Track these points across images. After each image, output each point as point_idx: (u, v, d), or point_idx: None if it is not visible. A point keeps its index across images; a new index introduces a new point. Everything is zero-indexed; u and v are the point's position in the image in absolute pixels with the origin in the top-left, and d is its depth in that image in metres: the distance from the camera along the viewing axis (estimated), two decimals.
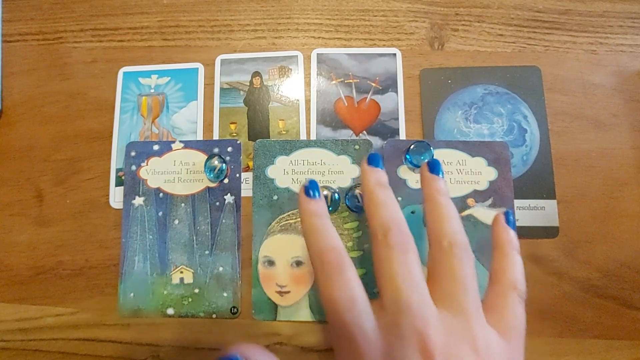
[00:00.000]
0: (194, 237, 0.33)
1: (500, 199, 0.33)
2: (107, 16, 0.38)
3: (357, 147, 0.34)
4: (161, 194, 0.34)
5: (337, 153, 0.34)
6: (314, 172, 0.34)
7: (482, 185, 0.33)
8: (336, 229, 0.32)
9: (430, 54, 0.36)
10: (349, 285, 0.22)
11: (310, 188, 0.25)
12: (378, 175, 0.25)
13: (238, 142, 0.34)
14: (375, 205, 0.24)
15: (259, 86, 0.36)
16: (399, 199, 0.33)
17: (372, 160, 0.26)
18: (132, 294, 0.32)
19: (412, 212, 0.33)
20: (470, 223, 0.32)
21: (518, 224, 0.32)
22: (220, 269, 0.32)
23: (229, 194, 0.33)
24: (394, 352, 0.21)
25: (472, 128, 0.35)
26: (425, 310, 0.21)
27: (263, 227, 0.33)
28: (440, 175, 0.26)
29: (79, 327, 0.32)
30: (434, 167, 0.26)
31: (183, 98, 0.36)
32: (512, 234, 0.26)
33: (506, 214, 0.27)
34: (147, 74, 0.37)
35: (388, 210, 0.24)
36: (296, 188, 0.33)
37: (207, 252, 0.32)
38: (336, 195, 0.32)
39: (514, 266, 0.25)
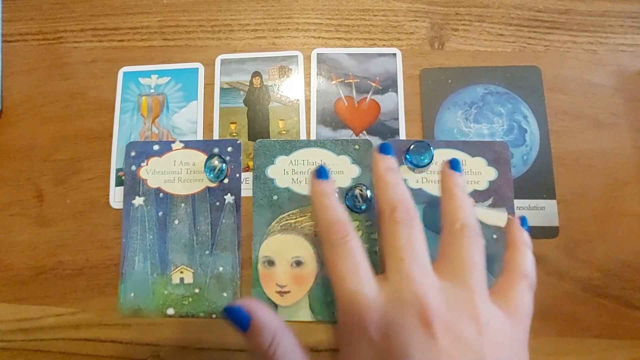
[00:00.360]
0: (194, 237, 0.33)
1: (500, 198, 0.33)
2: (107, 16, 0.38)
3: (357, 147, 0.34)
4: (161, 194, 0.34)
5: (337, 153, 0.34)
6: None
7: (482, 185, 0.33)
8: None
9: (430, 53, 0.36)
10: (353, 254, 0.23)
11: (320, 171, 0.27)
12: (388, 162, 0.27)
13: (238, 142, 0.34)
14: (384, 186, 0.26)
15: (259, 86, 0.36)
16: None
17: (383, 149, 0.27)
18: (132, 294, 0.32)
19: None
20: None
21: None
22: (220, 269, 0.32)
23: (229, 194, 0.33)
24: (392, 316, 0.21)
25: (472, 128, 0.34)
26: (426, 280, 0.22)
27: (263, 227, 0.33)
28: (459, 173, 0.27)
29: (79, 327, 0.32)
30: (454, 164, 0.28)
31: (183, 98, 0.36)
32: (526, 235, 0.27)
33: (521, 219, 0.28)
34: (147, 74, 0.37)
35: (396, 190, 0.25)
36: (296, 188, 0.33)
37: (207, 252, 0.32)
38: (336, 195, 0.32)
39: (526, 259, 0.25)
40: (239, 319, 0.22)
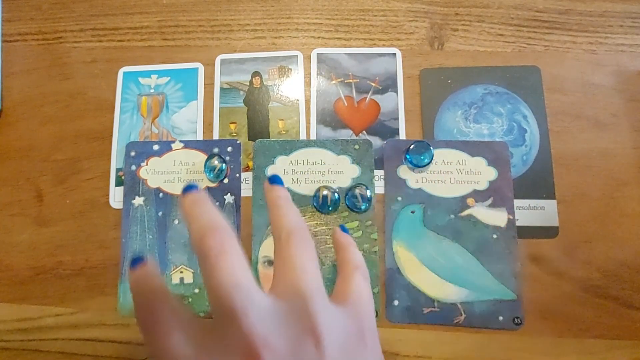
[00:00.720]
0: None
1: (500, 198, 0.33)
2: (107, 16, 0.38)
3: (357, 147, 0.34)
4: (161, 194, 0.34)
5: (337, 153, 0.34)
6: (314, 172, 0.34)
7: (482, 185, 0.33)
8: None
9: (430, 53, 0.36)
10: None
11: (187, 187, 0.24)
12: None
13: (238, 142, 0.34)
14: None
15: (258, 86, 0.36)
16: (399, 198, 0.33)
17: (273, 180, 0.27)
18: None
19: (412, 212, 0.33)
20: (470, 223, 0.32)
21: (518, 224, 0.32)
22: None
23: (228, 194, 0.33)
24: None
25: (472, 128, 0.34)
26: (254, 315, 0.19)
27: (263, 227, 0.33)
28: (281, 186, 0.26)
29: (78, 327, 0.32)
30: (274, 179, 0.27)
31: (183, 98, 0.36)
32: (350, 237, 0.27)
33: (342, 227, 0.28)
34: (147, 74, 0.37)
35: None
36: (296, 188, 0.33)
37: None
38: (336, 195, 0.32)
39: (355, 254, 0.26)
40: None
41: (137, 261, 0.22)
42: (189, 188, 0.24)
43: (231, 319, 0.19)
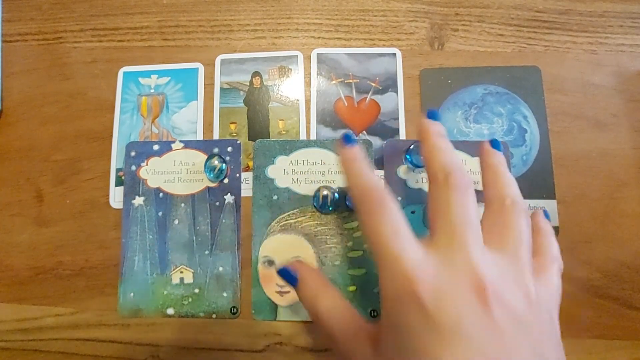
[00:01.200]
0: (194, 237, 0.33)
1: None
2: (107, 16, 0.38)
3: None
4: (161, 194, 0.34)
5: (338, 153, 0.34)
6: (314, 172, 0.34)
7: None
8: (336, 229, 0.32)
9: (430, 54, 0.36)
10: (392, 217, 0.22)
11: (347, 138, 0.26)
12: (438, 127, 0.26)
13: (238, 142, 0.34)
14: (437, 150, 0.25)
15: (259, 86, 0.36)
16: (399, 198, 0.33)
17: (431, 115, 0.27)
18: (132, 294, 0.32)
19: (412, 212, 0.33)
20: None
21: None
22: (220, 269, 0.32)
23: (229, 194, 0.33)
24: (444, 282, 0.20)
25: (472, 128, 0.35)
26: (479, 249, 0.21)
27: (263, 227, 0.33)
28: (500, 152, 0.27)
29: (78, 327, 0.32)
30: (495, 144, 0.27)
31: (183, 98, 0.36)
32: (550, 225, 0.27)
33: (544, 212, 0.28)
34: (147, 74, 0.37)
35: (449, 155, 0.24)
36: (296, 188, 0.33)
37: (207, 252, 0.32)
38: (336, 195, 0.32)
39: (553, 245, 0.26)
40: (288, 277, 0.25)
41: (349, 140, 0.26)
42: (347, 140, 0.26)
43: (458, 248, 0.21)
